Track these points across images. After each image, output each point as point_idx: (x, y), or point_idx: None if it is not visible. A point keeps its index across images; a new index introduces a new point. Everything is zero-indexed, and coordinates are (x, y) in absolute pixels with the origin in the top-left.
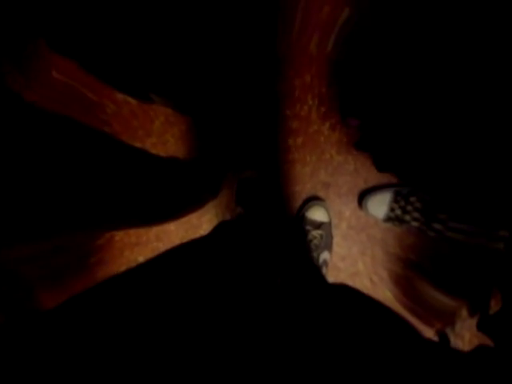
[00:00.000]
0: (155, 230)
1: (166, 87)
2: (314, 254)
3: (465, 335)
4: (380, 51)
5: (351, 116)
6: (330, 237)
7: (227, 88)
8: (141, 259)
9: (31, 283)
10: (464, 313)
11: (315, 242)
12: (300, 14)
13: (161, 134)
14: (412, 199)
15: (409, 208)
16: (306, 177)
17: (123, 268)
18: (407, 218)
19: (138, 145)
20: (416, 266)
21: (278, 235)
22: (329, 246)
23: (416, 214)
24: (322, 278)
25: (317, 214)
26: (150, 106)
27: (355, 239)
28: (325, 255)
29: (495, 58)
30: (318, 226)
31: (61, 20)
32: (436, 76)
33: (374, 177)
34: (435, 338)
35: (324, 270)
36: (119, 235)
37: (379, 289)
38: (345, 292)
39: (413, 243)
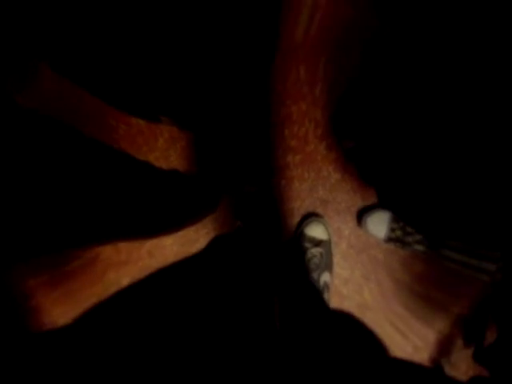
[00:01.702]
0: (148, 246)
1: (169, 105)
2: (315, 275)
3: (460, 366)
4: (370, 76)
5: (346, 138)
6: (330, 255)
7: (228, 108)
8: (125, 281)
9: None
10: (460, 343)
11: (315, 260)
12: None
13: (164, 150)
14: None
15: (408, 229)
16: (305, 193)
17: (100, 291)
18: (409, 239)
19: (140, 159)
20: (424, 296)
21: (276, 252)
22: (329, 266)
23: (418, 237)
24: (323, 304)
25: (316, 231)
26: (156, 125)
27: (356, 260)
28: (326, 277)
29: (493, 67)
30: (318, 243)
31: (64, 40)
32: (429, 98)
33: (372, 195)
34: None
35: (326, 295)
36: (106, 253)
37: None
38: (348, 322)
39: (421, 271)
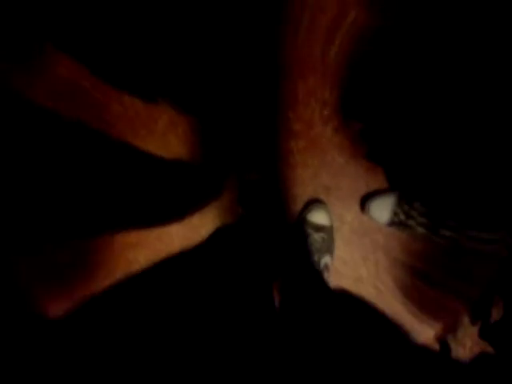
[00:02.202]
0: (156, 231)
1: (171, 88)
2: (315, 258)
3: (466, 343)
4: (383, 57)
5: (353, 119)
6: (331, 240)
7: (231, 89)
8: (141, 259)
9: (31, 283)
10: (466, 320)
11: (316, 245)
12: (306, 17)
13: (164, 134)
14: (416, 204)
15: (413, 213)
16: (308, 180)
17: (123, 267)
18: (411, 223)
19: (139, 144)
20: (422, 273)
21: (279, 238)
22: (330, 250)
23: (422, 220)
24: (323, 283)
25: (318, 217)
26: (154, 106)
27: (357, 244)
28: (326, 259)
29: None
30: (320, 229)
31: (66, 18)
32: (438, 80)
33: (376, 180)
34: (436, 347)
35: (326, 275)
36: (118, 235)
37: (385, 296)
38: (346, 298)
39: (419, 250)
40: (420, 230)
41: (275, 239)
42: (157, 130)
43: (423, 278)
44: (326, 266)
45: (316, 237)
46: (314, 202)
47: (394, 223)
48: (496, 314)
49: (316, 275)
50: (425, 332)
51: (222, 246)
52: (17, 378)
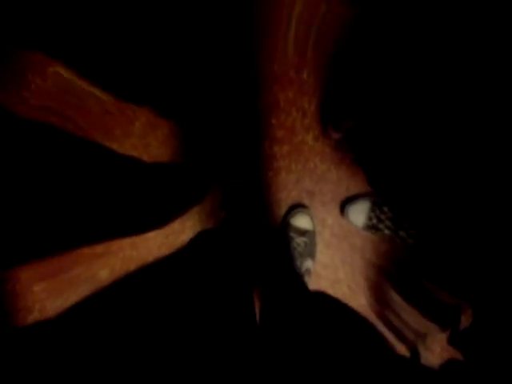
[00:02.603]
0: (131, 238)
1: (153, 92)
2: (297, 262)
3: (435, 349)
4: (359, 68)
5: (333, 129)
6: (313, 245)
7: (214, 95)
8: (104, 274)
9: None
10: (435, 327)
11: (299, 249)
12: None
13: (142, 136)
14: (385, 208)
15: (382, 217)
16: (291, 184)
17: (87, 281)
18: (381, 226)
19: (115, 146)
20: (388, 274)
21: (262, 241)
22: (312, 254)
23: (388, 223)
24: (303, 286)
25: (301, 222)
26: (127, 105)
27: (338, 247)
28: (308, 263)
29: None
30: (303, 233)
31: (47, 30)
32: (416, 93)
33: (355, 185)
34: (405, 351)
35: (306, 279)
36: (86, 245)
37: (357, 296)
38: (325, 301)
39: (386, 251)
40: (387, 232)
41: (258, 243)
42: (134, 131)
43: (389, 279)
44: (308, 271)
45: (299, 241)
46: (297, 207)
47: (368, 227)
48: (465, 321)
49: (297, 279)
50: (389, 334)
51: (203, 251)
52: None
